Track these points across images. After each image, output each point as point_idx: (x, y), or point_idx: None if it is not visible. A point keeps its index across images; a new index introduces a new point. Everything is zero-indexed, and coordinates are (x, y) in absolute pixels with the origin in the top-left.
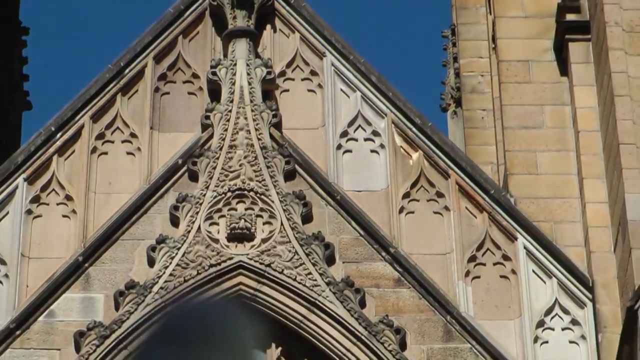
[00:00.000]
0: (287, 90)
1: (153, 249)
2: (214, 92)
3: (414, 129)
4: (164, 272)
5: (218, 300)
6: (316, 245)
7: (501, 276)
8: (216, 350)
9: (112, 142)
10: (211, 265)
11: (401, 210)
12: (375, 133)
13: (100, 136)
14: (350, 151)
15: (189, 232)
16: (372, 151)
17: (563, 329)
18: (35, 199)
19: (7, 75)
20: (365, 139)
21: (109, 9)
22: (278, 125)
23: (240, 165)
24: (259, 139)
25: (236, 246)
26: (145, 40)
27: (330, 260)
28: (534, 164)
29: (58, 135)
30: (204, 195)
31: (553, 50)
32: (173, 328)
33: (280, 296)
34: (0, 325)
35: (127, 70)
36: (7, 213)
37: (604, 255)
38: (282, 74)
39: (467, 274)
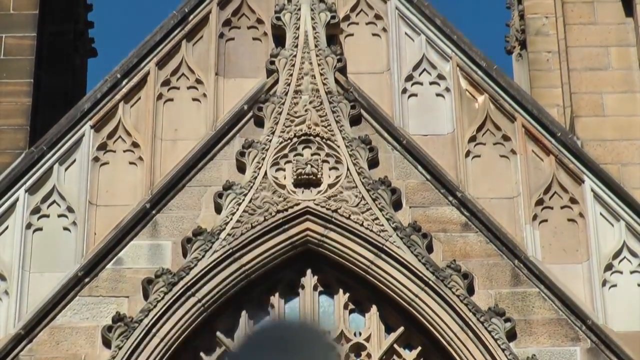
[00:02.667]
0: (352, 35)
1: (220, 195)
2: (279, 38)
3: (479, 72)
4: (231, 219)
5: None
6: (383, 190)
7: (569, 219)
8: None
9: (178, 88)
10: (278, 211)
11: (467, 154)
12: (441, 76)
13: (166, 83)
14: (415, 95)
15: (256, 178)
16: (437, 95)
17: (631, 272)
18: (102, 146)
19: (72, 23)
20: (431, 83)
21: None
22: (343, 70)
23: (305, 111)
24: (324, 84)
25: (303, 192)
26: None
27: (397, 205)
28: (600, 105)
29: (124, 82)
30: (270, 141)
31: None
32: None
33: (347, 242)
34: (69, 273)
35: (191, 17)
36: (75, 161)
37: None
38: (346, 18)
39: (535, 217)
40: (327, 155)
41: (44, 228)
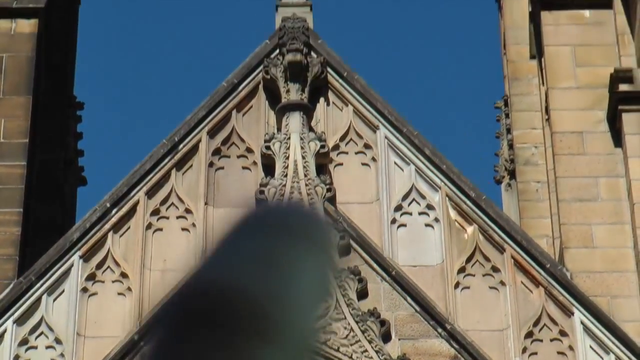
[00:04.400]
0: (341, 164)
1: None
2: (268, 167)
3: (468, 202)
4: None
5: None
6: (372, 322)
7: (558, 352)
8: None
9: (167, 218)
10: None
11: (457, 285)
12: (430, 207)
13: (155, 212)
14: (404, 225)
15: None
16: (426, 225)
17: None
18: (91, 277)
19: (62, 151)
20: (420, 213)
21: (163, 83)
22: (332, 200)
23: None
24: None
25: None
26: (199, 115)
27: (386, 337)
28: (589, 237)
29: (113, 212)
30: None
31: (607, 121)
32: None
33: None
34: None
35: (181, 146)
36: (63, 291)
37: None
38: (336, 147)
39: (524, 350)
40: None
41: None
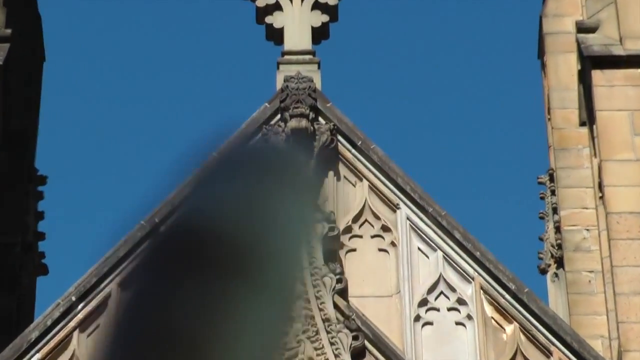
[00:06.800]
0: (354, 250)
1: None
2: None
3: (507, 295)
4: None
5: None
6: None
7: None
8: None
9: None
10: None
11: None
12: (461, 301)
13: None
14: (430, 323)
15: None
16: (457, 323)
17: None
18: None
19: (20, 233)
20: (449, 309)
21: (140, 156)
22: (343, 293)
23: (298, 342)
24: (320, 310)
25: None
26: (184, 192)
27: None
28: None
29: (79, 307)
30: None
31: None
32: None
33: None
34: None
35: (163, 228)
36: None
37: None
38: (348, 230)
39: None
40: None
41: None
